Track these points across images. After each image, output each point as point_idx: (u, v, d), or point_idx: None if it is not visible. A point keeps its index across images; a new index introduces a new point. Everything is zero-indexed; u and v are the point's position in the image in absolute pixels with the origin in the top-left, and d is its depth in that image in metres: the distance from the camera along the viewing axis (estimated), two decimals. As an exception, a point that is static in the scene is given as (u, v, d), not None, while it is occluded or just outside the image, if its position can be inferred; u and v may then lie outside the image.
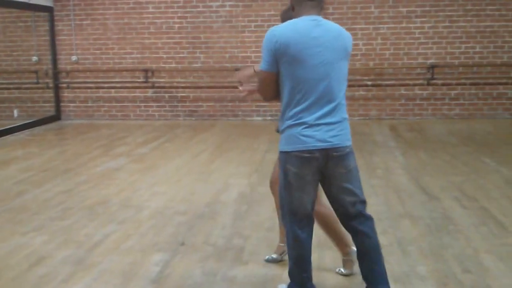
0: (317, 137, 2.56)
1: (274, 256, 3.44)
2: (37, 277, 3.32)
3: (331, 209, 2.90)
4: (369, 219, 2.79)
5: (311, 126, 2.56)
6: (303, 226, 2.76)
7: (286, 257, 3.20)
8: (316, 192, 2.78)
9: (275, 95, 2.73)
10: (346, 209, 2.75)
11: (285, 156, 2.66)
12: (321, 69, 2.55)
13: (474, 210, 4.39)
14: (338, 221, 2.94)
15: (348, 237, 3.02)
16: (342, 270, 3.27)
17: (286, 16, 2.93)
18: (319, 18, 2.62)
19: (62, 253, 3.69)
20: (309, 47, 2.53)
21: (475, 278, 3.16)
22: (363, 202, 2.78)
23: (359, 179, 2.77)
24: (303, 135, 2.57)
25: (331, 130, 2.58)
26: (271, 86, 2.67)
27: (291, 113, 2.61)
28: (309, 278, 2.85)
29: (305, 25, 2.57)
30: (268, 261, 3.43)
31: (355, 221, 2.77)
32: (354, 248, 2.98)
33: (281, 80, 2.63)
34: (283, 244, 3.35)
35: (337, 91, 2.60)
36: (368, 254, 2.77)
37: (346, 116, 2.67)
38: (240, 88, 3.02)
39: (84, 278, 3.30)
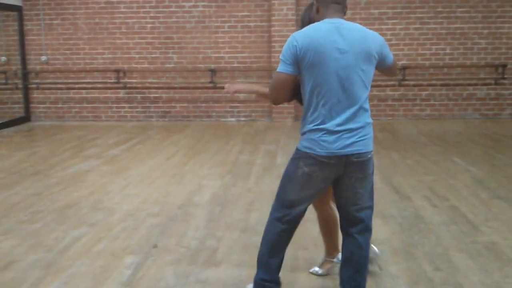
0: (337, 143, 2.54)
1: (320, 271, 3.29)
2: (5, 282, 3.24)
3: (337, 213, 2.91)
4: (368, 230, 2.78)
5: (332, 132, 2.53)
6: (283, 221, 2.76)
7: (333, 271, 3.19)
8: (315, 197, 2.78)
9: (287, 99, 2.73)
10: (352, 214, 2.73)
11: (302, 154, 2.64)
12: (342, 74, 2.50)
13: (445, 209, 4.46)
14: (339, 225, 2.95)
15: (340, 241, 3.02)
16: (318, 269, 3.29)
17: (306, 16, 2.89)
18: (342, 21, 2.58)
19: (31, 257, 3.61)
20: (330, 51, 2.49)
21: (445, 276, 3.21)
22: (370, 208, 2.77)
23: (372, 185, 2.77)
24: (323, 141, 2.54)
25: (353, 136, 2.55)
26: (287, 89, 2.64)
27: (312, 117, 2.58)
28: (276, 266, 2.85)
29: (327, 29, 2.53)
30: (313, 273, 3.30)
31: (355, 228, 2.75)
32: (340, 256, 2.98)
33: (302, 84, 2.62)
34: (329, 259, 3.27)
35: (359, 96, 2.55)
36: (354, 264, 2.76)
37: (370, 120, 2.63)
38: (226, 88, 3.03)
39: (53, 283, 3.22)
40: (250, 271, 3.30)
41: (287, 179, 2.73)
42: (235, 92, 3.02)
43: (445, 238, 3.82)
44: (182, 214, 4.50)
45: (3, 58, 10.01)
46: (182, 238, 3.93)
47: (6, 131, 9.03)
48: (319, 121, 2.55)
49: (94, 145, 7.62)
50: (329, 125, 2.53)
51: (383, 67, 2.75)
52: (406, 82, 9.46)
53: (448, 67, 9.44)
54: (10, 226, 4.24)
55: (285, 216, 2.75)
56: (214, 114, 9.87)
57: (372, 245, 3.10)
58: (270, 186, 5.23)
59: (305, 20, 2.88)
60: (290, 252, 3.58)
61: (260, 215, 4.40)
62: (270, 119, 9.67)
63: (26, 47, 9.97)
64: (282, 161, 6.37)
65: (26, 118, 10.03)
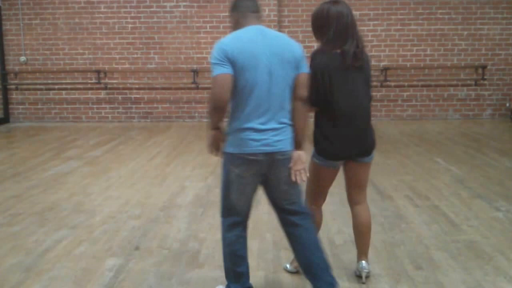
0: (263, 141, 2.65)
1: (288, 267, 3.33)
2: (-18, 287, 3.18)
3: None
4: (307, 214, 2.89)
5: (257, 131, 2.65)
6: (234, 226, 2.83)
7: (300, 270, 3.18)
8: (254, 195, 2.83)
9: (228, 101, 2.70)
10: (287, 208, 2.85)
11: (229, 157, 2.73)
12: (266, 77, 2.62)
13: (426, 209, 4.51)
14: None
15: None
16: (288, 266, 3.32)
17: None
18: (265, 28, 2.71)
19: (10, 261, 3.54)
20: (259, 54, 2.61)
21: (426, 275, 3.24)
22: (300, 198, 2.88)
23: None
24: (250, 139, 2.65)
25: (278, 135, 2.68)
26: (227, 89, 2.62)
27: (237, 117, 2.68)
28: (244, 274, 2.87)
29: (251, 35, 2.66)
30: (285, 269, 3.34)
31: (294, 216, 2.86)
32: None
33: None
34: None
35: (281, 98, 2.67)
36: (307, 246, 2.84)
37: (290, 122, 2.74)
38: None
39: (33, 286, 3.17)
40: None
41: (225, 185, 2.79)
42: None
43: (426, 237, 3.85)
44: (164, 216, 4.47)
45: (-19, 58, 9.84)
46: (164, 240, 3.90)
47: (-16, 132, 8.88)
48: (245, 120, 2.66)
49: (74, 147, 7.52)
50: (255, 124, 2.65)
51: (296, 77, 2.74)
52: (388, 83, 9.55)
53: (429, 68, 9.55)
54: (-12, 229, 4.16)
55: (235, 221, 2.83)
56: (196, 114, 9.84)
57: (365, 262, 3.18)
58: (253, 187, 5.23)
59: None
60: (272, 253, 3.60)
61: (243, 216, 4.39)
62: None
63: (4, 48, 9.82)
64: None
65: (4, 120, 9.87)
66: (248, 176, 2.72)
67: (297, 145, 2.77)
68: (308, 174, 2.88)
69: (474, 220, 4.20)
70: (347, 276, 3.24)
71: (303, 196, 2.97)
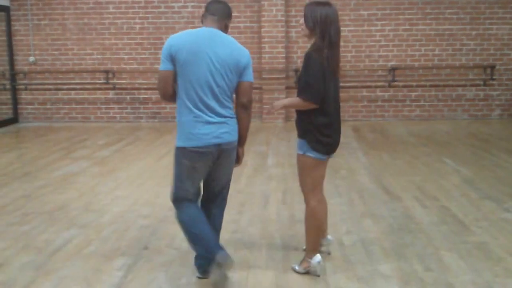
0: (213, 134, 2.94)
1: (297, 268, 3.33)
2: (-7, 286, 3.21)
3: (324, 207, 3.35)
4: (225, 200, 3.31)
5: (205, 124, 2.93)
6: (185, 207, 3.11)
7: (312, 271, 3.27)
8: (203, 178, 3.14)
9: (172, 93, 3.01)
10: (217, 193, 3.25)
11: (182, 151, 3.00)
12: (210, 75, 2.90)
13: (435, 209, 4.49)
14: (321, 224, 3.31)
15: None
16: (297, 267, 3.33)
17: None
18: (216, 31, 3.00)
19: (21, 259, 3.57)
20: (202, 53, 2.89)
21: (436, 276, 3.23)
22: (229, 184, 3.30)
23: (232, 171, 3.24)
24: (200, 133, 2.93)
25: (223, 127, 2.98)
26: (170, 84, 2.96)
27: (185, 111, 2.95)
28: (209, 246, 3.01)
29: (200, 35, 2.95)
30: (293, 270, 3.34)
31: (214, 204, 3.26)
32: (318, 258, 3.24)
33: (177, 81, 2.97)
34: (308, 259, 3.29)
35: (223, 96, 2.96)
36: (217, 226, 3.28)
37: (232, 116, 3.05)
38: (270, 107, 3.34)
39: (44, 285, 3.19)
40: (242, 273, 3.30)
41: (176, 177, 3.09)
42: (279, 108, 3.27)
43: (436, 238, 3.84)
44: (173, 215, 4.44)
45: (-9, 59, 9.91)
46: (173, 239, 3.91)
47: (-7, 132, 8.95)
48: (193, 114, 2.93)
49: (83, 147, 7.56)
50: (203, 118, 2.93)
51: (238, 84, 3.03)
52: (396, 83, 9.52)
53: (437, 68, 9.51)
54: (0, 228, 4.20)
55: (181, 206, 3.11)
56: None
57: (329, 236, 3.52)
58: (261, 187, 5.24)
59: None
60: (281, 253, 3.60)
61: (251, 216, 4.40)
62: (261, 120, 9.67)
63: (14, 48, 9.88)
64: (273, 162, 6.38)
65: (14, 120, 9.93)
66: (200, 167, 3.01)
67: (241, 143, 3.16)
68: (301, 171, 3.22)
69: (483, 221, 4.18)
70: (356, 277, 3.24)
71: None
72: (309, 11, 3.10)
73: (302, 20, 3.14)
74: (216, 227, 3.27)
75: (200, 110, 2.92)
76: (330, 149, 3.22)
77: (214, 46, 2.91)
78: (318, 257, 3.24)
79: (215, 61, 2.90)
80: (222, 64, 2.91)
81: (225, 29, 3.09)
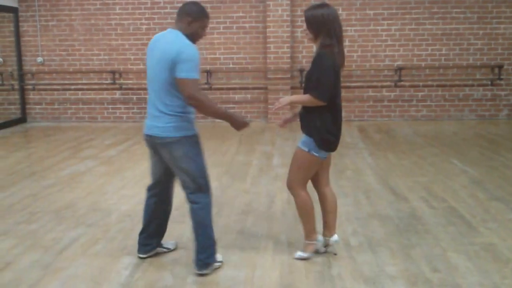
0: (147, 125, 3.25)
1: (304, 254, 3.49)
2: (3, 283, 3.22)
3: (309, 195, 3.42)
4: (192, 203, 3.31)
5: (148, 116, 3.25)
6: (149, 193, 3.55)
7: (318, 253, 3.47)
8: (161, 167, 3.39)
9: None
10: (183, 188, 3.35)
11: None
12: (153, 73, 3.17)
13: (442, 210, 4.47)
14: (313, 208, 3.43)
15: (318, 225, 3.55)
16: (302, 253, 3.47)
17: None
18: (170, 30, 3.19)
19: (29, 258, 3.60)
20: (150, 54, 3.22)
21: (443, 277, 3.22)
22: (189, 188, 3.29)
23: (191, 167, 3.22)
24: (146, 124, 3.28)
25: (155, 121, 3.18)
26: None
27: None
28: (144, 235, 3.55)
29: (158, 35, 3.25)
30: (299, 258, 3.49)
31: (187, 201, 3.37)
32: (321, 237, 3.50)
33: None
34: (310, 241, 3.49)
35: (162, 94, 3.13)
36: (193, 223, 3.38)
37: (170, 113, 3.14)
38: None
39: (52, 283, 3.21)
40: (248, 272, 3.30)
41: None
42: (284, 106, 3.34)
43: (443, 239, 3.82)
44: (179, 215, 4.49)
45: (-1, 59, 9.98)
46: (180, 239, 3.93)
47: (2, 132, 8.99)
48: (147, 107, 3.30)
49: (90, 146, 7.60)
50: (148, 109, 3.26)
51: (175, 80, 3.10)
52: (402, 83, 9.49)
53: (444, 68, 9.47)
54: (8, 227, 4.22)
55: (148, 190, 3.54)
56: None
57: (336, 235, 3.53)
58: (267, 187, 5.24)
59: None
60: (287, 253, 3.60)
61: (257, 216, 4.40)
62: (266, 120, 9.67)
63: (22, 48, 9.94)
64: (278, 162, 6.38)
65: (22, 119, 9.99)
66: (150, 153, 3.39)
67: (225, 120, 3.27)
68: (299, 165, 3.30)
69: (491, 223, 4.15)
70: (363, 277, 3.23)
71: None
72: (311, 15, 3.19)
73: (305, 26, 3.24)
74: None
75: (149, 103, 3.26)
76: (333, 147, 3.33)
77: (158, 44, 3.15)
78: (319, 236, 3.48)
79: (156, 58, 3.13)
80: (159, 60, 3.10)
81: (188, 26, 3.16)
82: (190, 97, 3.05)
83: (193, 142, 3.24)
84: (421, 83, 9.55)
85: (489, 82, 9.48)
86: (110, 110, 10.00)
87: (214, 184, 5.37)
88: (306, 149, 3.26)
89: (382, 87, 9.58)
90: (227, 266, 3.42)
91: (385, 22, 9.41)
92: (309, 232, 3.47)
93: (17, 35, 9.84)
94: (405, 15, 9.37)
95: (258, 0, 9.41)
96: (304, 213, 3.43)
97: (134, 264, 3.47)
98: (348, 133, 8.34)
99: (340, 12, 9.37)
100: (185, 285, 3.18)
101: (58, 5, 9.77)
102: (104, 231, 4.11)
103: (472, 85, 9.53)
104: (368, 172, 5.80)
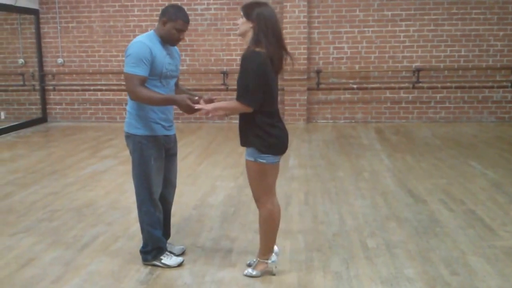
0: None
1: (254, 272, 3.29)
2: (26, 279, 3.29)
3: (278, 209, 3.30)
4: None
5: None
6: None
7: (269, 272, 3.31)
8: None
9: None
10: None
11: None
12: None
13: (461, 213, 4.44)
14: (277, 225, 3.29)
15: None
16: (251, 271, 3.29)
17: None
18: (149, 32, 3.37)
19: (50, 255, 3.67)
20: None
21: (462, 280, 3.20)
22: (135, 181, 3.46)
23: (135, 167, 3.42)
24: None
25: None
26: None
27: None
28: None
29: None
30: (247, 275, 3.30)
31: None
32: (275, 257, 3.29)
33: None
34: (263, 260, 3.30)
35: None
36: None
37: (129, 109, 3.34)
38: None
39: (73, 280, 3.27)
40: (265, 274, 3.31)
41: None
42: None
43: (462, 242, 3.80)
44: (197, 214, 4.54)
45: (21, 61, 10.14)
46: (197, 238, 3.97)
47: (24, 131, 9.16)
48: None
49: (109, 146, 7.69)
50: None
51: None
52: (420, 85, 9.42)
53: (463, 69, 9.38)
54: (30, 224, 4.31)
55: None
56: (226, 116, 9.90)
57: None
58: (283, 188, 5.25)
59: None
60: (304, 254, 3.61)
61: (275, 216, 4.42)
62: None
63: (43, 50, 10.10)
64: (294, 163, 6.39)
65: (43, 119, 10.16)
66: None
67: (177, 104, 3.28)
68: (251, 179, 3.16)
69: (511, 226, 4.11)
70: (380, 279, 3.23)
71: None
72: (250, 6, 3.02)
73: (240, 20, 3.05)
74: None
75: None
76: (278, 150, 3.15)
77: None
78: (274, 256, 3.28)
79: None
80: None
81: (162, 26, 3.27)
82: (128, 91, 3.16)
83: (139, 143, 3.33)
84: (439, 85, 9.48)
85: (509, 84, 9.35)
86: (129, 111, 10.10)
87: (230, 184, 5.44)
88: (252, 159, 3.11)
89: (400, 88, 9.53)
90: (245, 265, 3.44)
91: (403, 23, 9.35)
92: (266, 250, 3.27)
93: (38, 37, 10.01)
94: (423, 16, 9.31)
95: (275, 1, 9.43)
96: (266, 228, 3.24)
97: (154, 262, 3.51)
98: (365, 135, 8.31)
99: (357, 12, 9.36)
100: (204, 283, 3.21)
101: (78, 7, 9.91)
102: (124, 229, 4.17)
103: (492, 87, 9.42)
104: (386, 174, 5.78)
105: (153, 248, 3.43)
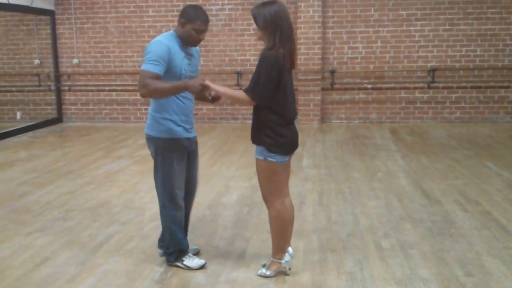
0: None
1: (267, 272, 3.30)
2: (41, 278, 3.33)
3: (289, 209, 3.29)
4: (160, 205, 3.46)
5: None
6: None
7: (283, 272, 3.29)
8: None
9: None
10: None
11: None
12: None
13: (476, 214, 4.40)
14: (289, 223, 3.29)
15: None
16: (265, 271, 3.29)
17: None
18: (168, 32, 3.33)
19: (66, 254, 3.71)
20: None
21: (477, 282, 3.17)
22: (156, 189, 3.46)
23: (157, 169, 3.42)
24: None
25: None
26: None
27: None
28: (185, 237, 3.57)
29: None
30: (261, 275, 3.30)
31: None
32: (288, 257, 3.27)
33: None
34: (277, 260, 3.30)
35: None
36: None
37: (151, 111, 3.39)
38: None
39: (88, 279, 3.31)
40: (279, 274, 3.32)
41: None
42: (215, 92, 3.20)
43: (477, 243, 3.76)
44: (211, 214, 4.55)
45: (37, 61, 10.27)
46: (211, 238, 3.98)
47: (39, 131, 9.27)
48: None
49: (124, 146, 7.75)
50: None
51: None
52: (435, 85, 9.35)
53: (479, 69, 9.29)
54: (45, 223, 4.36)
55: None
56: (240, 116, 9.93)
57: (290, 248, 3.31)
58: (297, 189, 5.25)
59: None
60: (318, 254, 3.61)
61: (288, 216, 4.41)
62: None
63: (58, 50, 10.21)
64: (308, 163, 6.38)
65: (58, 119, 10.27)
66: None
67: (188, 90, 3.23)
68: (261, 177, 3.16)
69: (527, 227, 4.07)
70: (394, 280, 3.22)
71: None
72: (257, 13, 3.04)
73: (254, 25, 3.07)
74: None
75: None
76: (287, 150, 3.17)
77: None
78: (287, 256, 3.26)
79: None
80: None
81: (181, 27, 3.22)
82: (139, 88, 3.15)
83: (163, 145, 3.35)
84: (455, 85, 9.39)
85: (526, 84, 9.25)
86: (143, 111, 10.17)
87: (244, 184, 5.44)
88: (262, 158, 3.13)
89: (415, 88, 9.46)
90: (260, 265, 3.45)
91: (418, 22, 9.29)
92: (278, 250, 3.27)
93: (54, 37, 10.12)
94: (439, 16, 9.23)
95: (289, 1, 9.43)
96: (277, 227, 3.24)
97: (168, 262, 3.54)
98: (379, 135, 8.26)
99: (372, 12, 9.31)
100: (218, 283, 3.22)
101: (93, 8, 10.01)
102: (138, 229, 4.20)
103: (508, 87, 9.31)
104: (400, 175, 5.74)
105: (174, 250, 3.43)
